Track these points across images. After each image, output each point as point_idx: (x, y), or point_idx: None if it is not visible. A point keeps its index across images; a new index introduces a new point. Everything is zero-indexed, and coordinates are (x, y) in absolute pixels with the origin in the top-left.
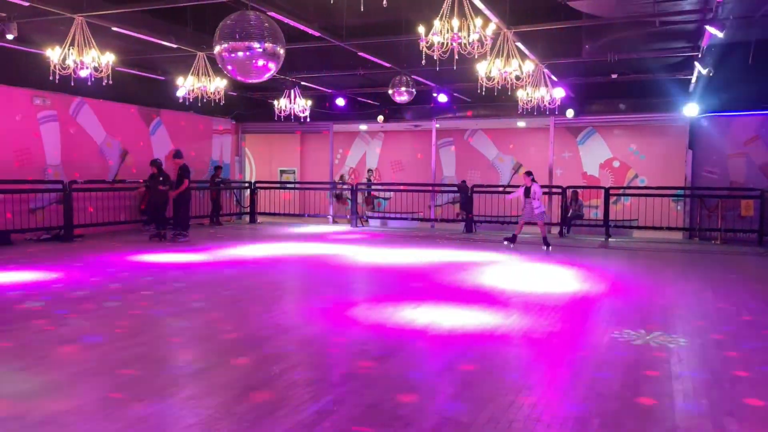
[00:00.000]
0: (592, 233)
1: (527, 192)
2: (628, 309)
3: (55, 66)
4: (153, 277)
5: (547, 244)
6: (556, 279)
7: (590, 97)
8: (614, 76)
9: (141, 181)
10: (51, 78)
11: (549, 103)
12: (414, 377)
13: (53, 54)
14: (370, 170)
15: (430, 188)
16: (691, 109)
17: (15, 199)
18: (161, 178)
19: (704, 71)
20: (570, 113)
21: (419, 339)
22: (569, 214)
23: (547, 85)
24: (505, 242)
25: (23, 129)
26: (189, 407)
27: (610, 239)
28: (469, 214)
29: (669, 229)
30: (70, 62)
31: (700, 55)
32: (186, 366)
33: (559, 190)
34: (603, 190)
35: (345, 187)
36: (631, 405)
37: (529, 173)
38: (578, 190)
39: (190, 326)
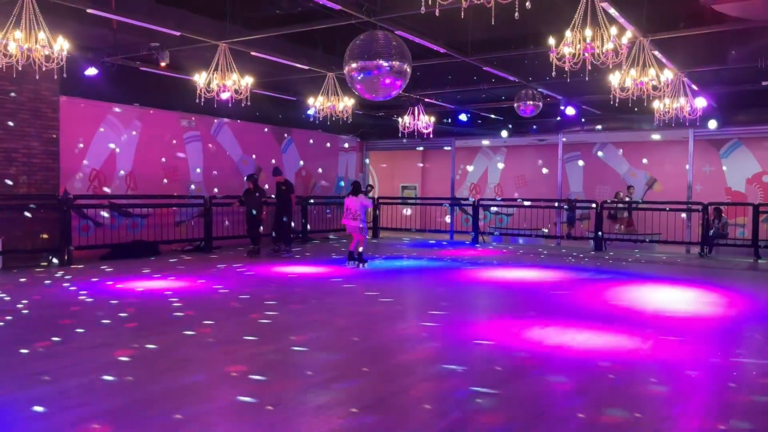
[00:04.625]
0: (738, 254)
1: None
2: None
3: (200, 90)
4: (281, 288)
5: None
6: (698, 303)
7: (736, 107)
8: (765, 83)
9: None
10: (197, 101)
11: (689, 114)
12: (545, 400)
13: (200, 79)
14: (630, 187)
15: (553, 204)
16: None
17: (163, 213)
18: (257, 194)
19: None
20: (712, 124)
21: (549, 360)
22: (711, 233)
23: (686, 95)
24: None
25: (172, 148)
26: (320, 416)
27: (759, 261)
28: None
29: None
30: (213, 86)
31: None
32: (316, 375)
33: (699, 207)
34: (751, 207)
35: (620, 205)
36: None
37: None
38: (722, 207)
39: (319, 337)
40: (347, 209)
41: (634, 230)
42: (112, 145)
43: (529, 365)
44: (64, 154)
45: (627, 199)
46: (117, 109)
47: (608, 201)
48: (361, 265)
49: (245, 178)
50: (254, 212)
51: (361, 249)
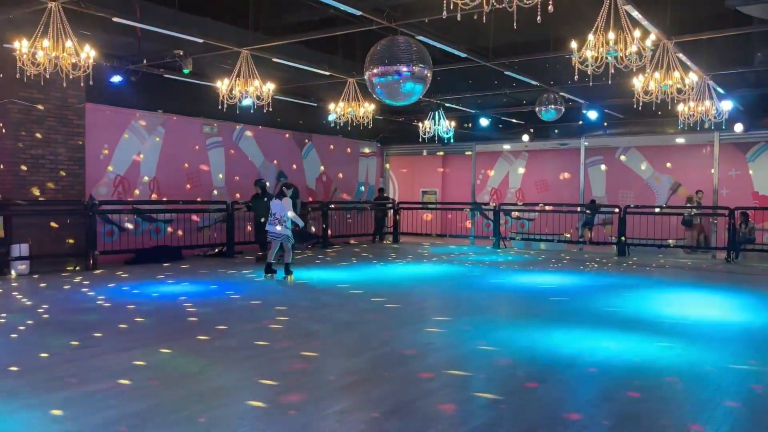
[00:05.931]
0: (765, 259)
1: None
2: None
3: (223, 96)
4: (300, 293)
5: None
6: (725, 308)
7: (763, 110)
8: None
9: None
10: (219, 107)
11: (714, 118)
12: (569, 406)
13: (222, 85)
14: (699, 191)
15: (575, 209)
16: None
17: (186, 218)
18: (265, 199)
19: None
20: (739, 128)
21: (573, 366)
22: (738, 238)
23: (712, 98)
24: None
25: (195, 154)
26: (343, 420)
27: None
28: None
29: None
30: (236, 92)
31: None
32: (337, 380)
33: (726, 212)
34: None
35: (695, 212)
36: None
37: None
38: (748, 212)
39: (341, 340)
40: (272, 214)
41: (707, 239)
42: (136, 151)
43: (553, 371)
44: (90, 160)
45: (696, 203)
46: (141, 116)
47: (687, 207)
48: (289, 277)
49: (253, 183)
50: (262, 219)
51: (288, 259)
